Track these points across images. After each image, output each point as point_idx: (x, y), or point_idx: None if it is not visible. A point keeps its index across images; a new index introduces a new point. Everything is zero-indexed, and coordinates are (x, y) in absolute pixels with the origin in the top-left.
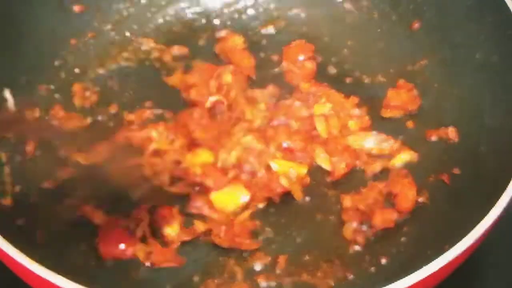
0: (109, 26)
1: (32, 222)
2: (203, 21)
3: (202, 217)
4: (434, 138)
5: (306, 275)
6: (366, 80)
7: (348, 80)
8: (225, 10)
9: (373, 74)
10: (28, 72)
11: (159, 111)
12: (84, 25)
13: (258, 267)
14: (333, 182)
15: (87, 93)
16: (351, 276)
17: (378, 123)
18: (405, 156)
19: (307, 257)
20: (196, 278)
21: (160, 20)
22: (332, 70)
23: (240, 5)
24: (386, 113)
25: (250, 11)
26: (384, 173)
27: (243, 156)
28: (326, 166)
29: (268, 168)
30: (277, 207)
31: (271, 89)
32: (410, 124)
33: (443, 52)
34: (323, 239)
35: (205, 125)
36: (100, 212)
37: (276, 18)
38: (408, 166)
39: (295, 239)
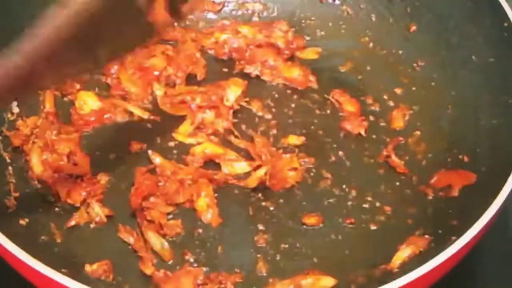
0: None
1: (36, 222)
2: (202, 24)
3: None
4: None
5: None
6: (364, 81)
7: (346, 80)
8: (226, 9)
9: (372, 75)
10: None
11: None
12: None
13: None
14: None
15: None
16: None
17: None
18: None
19: None
20: None
21: None
22: (329, 72)
23: (235, 4)
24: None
25: (244, 10)
26: None
27: None
28: None
29: None
30: None
31: None
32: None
33: (441, 54)
34: None
35: None
36: None
37: (273, 18)
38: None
39: None
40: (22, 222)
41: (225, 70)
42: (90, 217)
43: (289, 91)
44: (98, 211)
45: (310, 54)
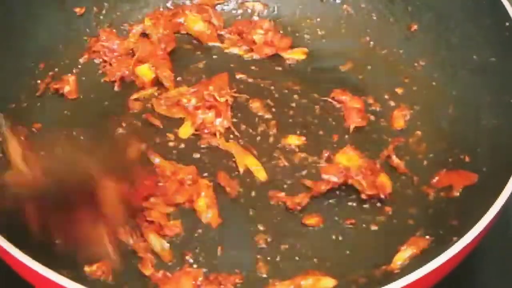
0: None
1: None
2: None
3: None
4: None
5: None
6: (365, 80)
7: (346, 80)
8: (226, 8)
9: (372, 75)
10: (29, 72)
11: None
12: (85, 27)
13: None
14: None
15: None
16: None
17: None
18: None
19: None
20: None
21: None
22: (329, 72)
23: (235, 3)
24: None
25: (243, 10)
26: None
27: None
28: None
29: None
30: None
31: None
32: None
33: (441, 53)
34: None
35: None
36: None
37: (273, 18)
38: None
39: None
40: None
41: None
42: None
43: (289, 91)
44: None
45: (297, 54)
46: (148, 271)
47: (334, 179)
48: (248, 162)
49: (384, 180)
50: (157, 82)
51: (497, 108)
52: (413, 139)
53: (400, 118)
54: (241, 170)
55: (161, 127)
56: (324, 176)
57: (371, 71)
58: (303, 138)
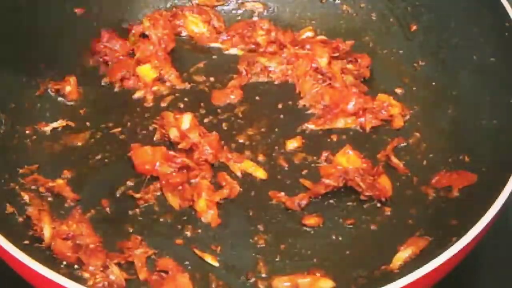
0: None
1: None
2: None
3: None
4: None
5: None
6: (365, 80)
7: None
8: (226, 8)
9: (372, 75)
10: (29, 72)
11: None
12: (85, 27)
13: None
14: None
15: None
16: None
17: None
18: None
19: None
20: None
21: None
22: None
23: (236, 3)
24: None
25: (243, 10)
26: None
27: None
28: None
29: None
30: None
31: None
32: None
33: (441, 53)
34: None
35: None
36: None
37: (273, 18)
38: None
39: None
40: (20, 219)
41: None
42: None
43: (289, 92)
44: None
45: None
46: (143, 275)
47: (334, 183)
48: (243, 166)
49: (384, 182)
50: (158, 82)
51: (497, 108)
52: (413, 139)
53: (400, 118)
54: (239, 174)
55: None
56: (324, 180)
57: (371, 71)
58: (303, 139)
